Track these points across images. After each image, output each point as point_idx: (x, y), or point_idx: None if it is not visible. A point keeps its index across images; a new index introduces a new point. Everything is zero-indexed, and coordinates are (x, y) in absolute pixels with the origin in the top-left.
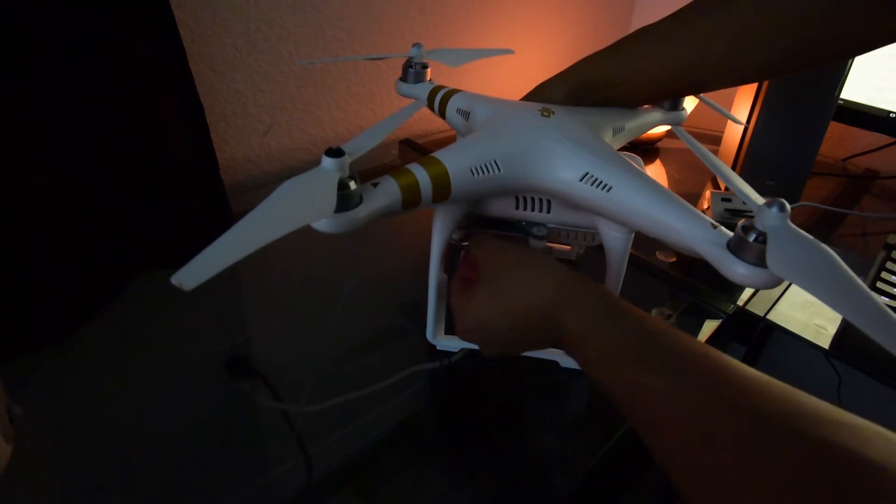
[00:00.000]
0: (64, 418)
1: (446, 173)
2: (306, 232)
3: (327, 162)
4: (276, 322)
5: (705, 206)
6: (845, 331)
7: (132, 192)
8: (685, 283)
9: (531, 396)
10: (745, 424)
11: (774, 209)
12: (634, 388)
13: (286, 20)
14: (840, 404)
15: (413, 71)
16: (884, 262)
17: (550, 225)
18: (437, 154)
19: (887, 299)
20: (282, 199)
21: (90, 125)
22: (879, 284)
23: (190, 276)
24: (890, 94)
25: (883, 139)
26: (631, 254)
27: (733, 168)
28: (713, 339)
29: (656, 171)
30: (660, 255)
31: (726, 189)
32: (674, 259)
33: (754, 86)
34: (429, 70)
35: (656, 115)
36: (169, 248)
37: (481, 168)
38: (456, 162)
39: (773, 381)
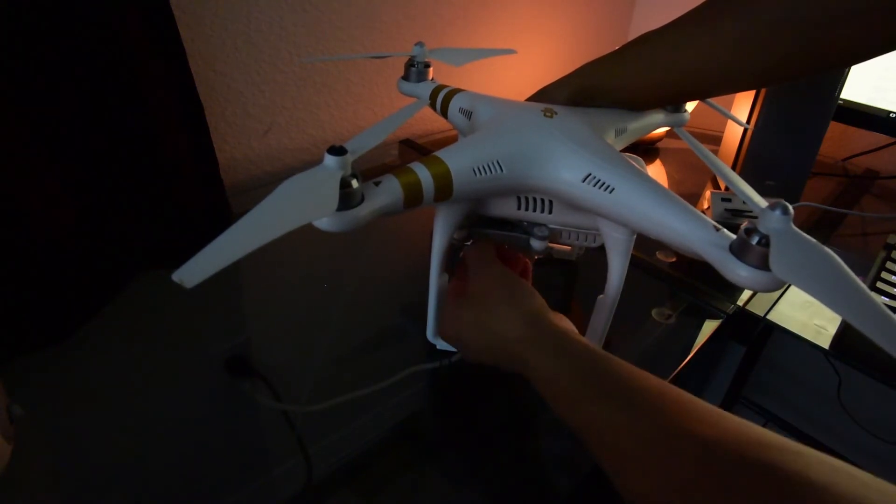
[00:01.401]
0: (64, 418)
1: (448, 172)
2: (307, 231)
3: (329, 160)
4: (276, 322)
5: (705, 206)
6: (845, 331)
7: (132, 192)
8: (685, 283)
9: (531, 396)
10: (700, 452)
11: (777, 212)
12: (596, 421)
13: (286, 20)
14: (840, 404)
15: (415, 70)
16: (884, 262)
17: (552, 225)
18: (440, 153)
19: (887, 299)
20: (283, 197)
21: (90, 125)
22: (879, 284)
23: (191, 273)
24: (890, 94)
25: (883, 139)
26: (631, 254)
27: (733, 168)
28: (713, 339)
29: (656, 171)
30: (660, 255)
31: (726, 189)
32: (674, 259)
33: None
34: (430, 69)
35: (658, 116)
36: (169, 248)
37: (484, 168)
38: (458, 161)
39: (723, 413)
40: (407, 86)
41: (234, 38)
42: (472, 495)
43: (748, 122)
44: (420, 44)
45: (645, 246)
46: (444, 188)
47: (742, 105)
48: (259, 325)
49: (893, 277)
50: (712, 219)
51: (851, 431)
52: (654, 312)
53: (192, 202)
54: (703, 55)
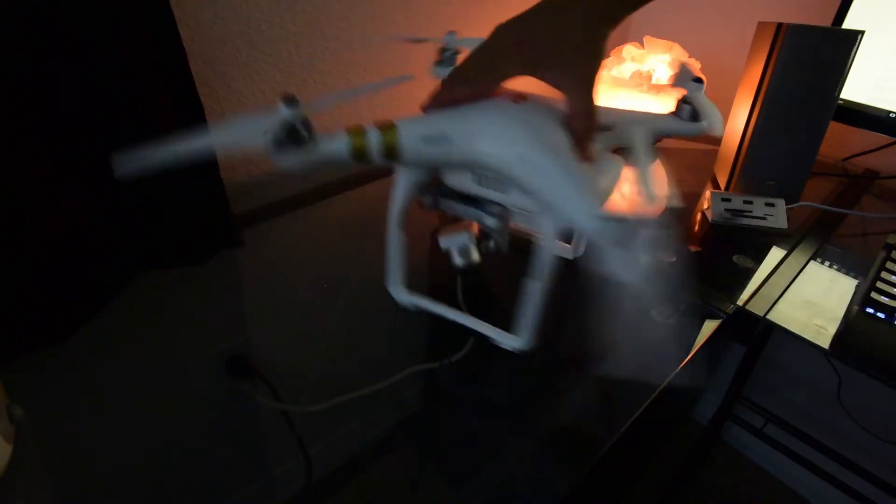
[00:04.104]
0: (64, 418)
1: (396, 137)
2: (307, 231)
3: (283, 108)
4: (276, 322)
5: (705, 206)
6: (845, 331)
7: (132, 192)
8: (685, 283)
9: (531, 396)
10: None
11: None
12: None
13: (286, 20)
14: (840, 404)
15: (449, 55)
16: (884, 262)
17: (509, 206)
18: (399, 121)
19: (887, 299)
20: (233, 124)
21: (90, 126)
22: (879, 284)
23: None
24: (890, 94)
25: (883, 139)
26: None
27: (733, 168)
28: (713, 339)
29: (656, 170)
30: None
31: (726, 189)
32: (674, 259)
33: (754, 86)
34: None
35: (668, 122)
36: (169, 248)
37: (433, 139)
38: (410, 129)
39: None
40: (443, 71)
41: (234, 38)
42: (472, 495)
43: (748, 121)
44: (451, 32)
45: None
46: (392, 151)
47: (742, 104)
48: (259, 325)
49: (893, 277)
50: (711, 219)
51: (851, 431)
52: (654, 312)
53: (192, 202)
54: None
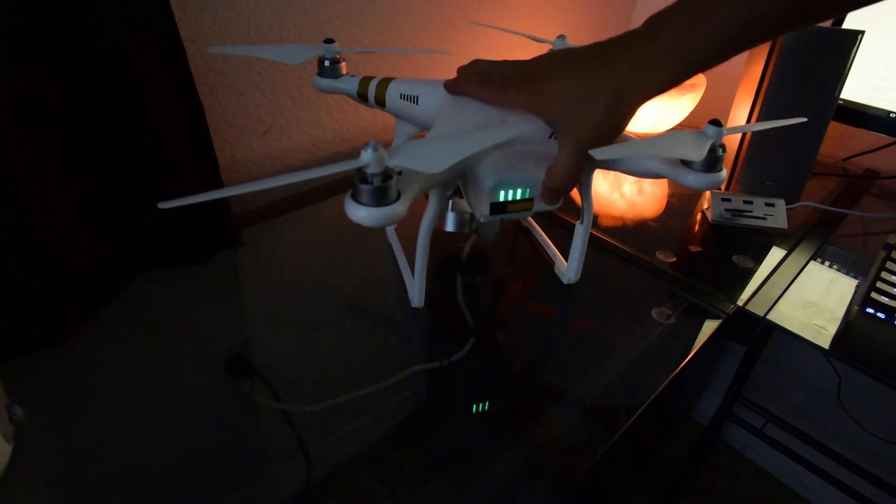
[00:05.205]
0: (64, 418)
1: (385, 90)
2: (306, 232)
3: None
4: (276, 322)
5: (705, 206)
6: (845, 331)
7: (132, 192)
8: (685, 283)
9: (531, 396)
10: None
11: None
12: None
13: (286, 20)
14: (840, 404)
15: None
16: (884, 262)
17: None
18: (395, 79)
19: (887, 299)
20: (281, 46)
21: (90, 125)
22: (879, 284)
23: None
24: (890, 94)
25: (883, 139)
26: (631, 253)
27: (733, 168)
28: (713, 339)
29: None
30: (660, 255)
31: (726, 189)
32: (674, 259)
33: (754, 86)
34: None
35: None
36: (169, 248)
37: (406, 96)
38: (396, 86)
39: None
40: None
41: (234, 38)
42: (472, 495)
43: (748, 121)
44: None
45: (645, 246)
46: (381, 100)
47: (742, 105)
48: (259, 325)
49: (893, 277)
50: (711, 219)
51: (851, 431)
52: (654, 312)
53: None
54: None
